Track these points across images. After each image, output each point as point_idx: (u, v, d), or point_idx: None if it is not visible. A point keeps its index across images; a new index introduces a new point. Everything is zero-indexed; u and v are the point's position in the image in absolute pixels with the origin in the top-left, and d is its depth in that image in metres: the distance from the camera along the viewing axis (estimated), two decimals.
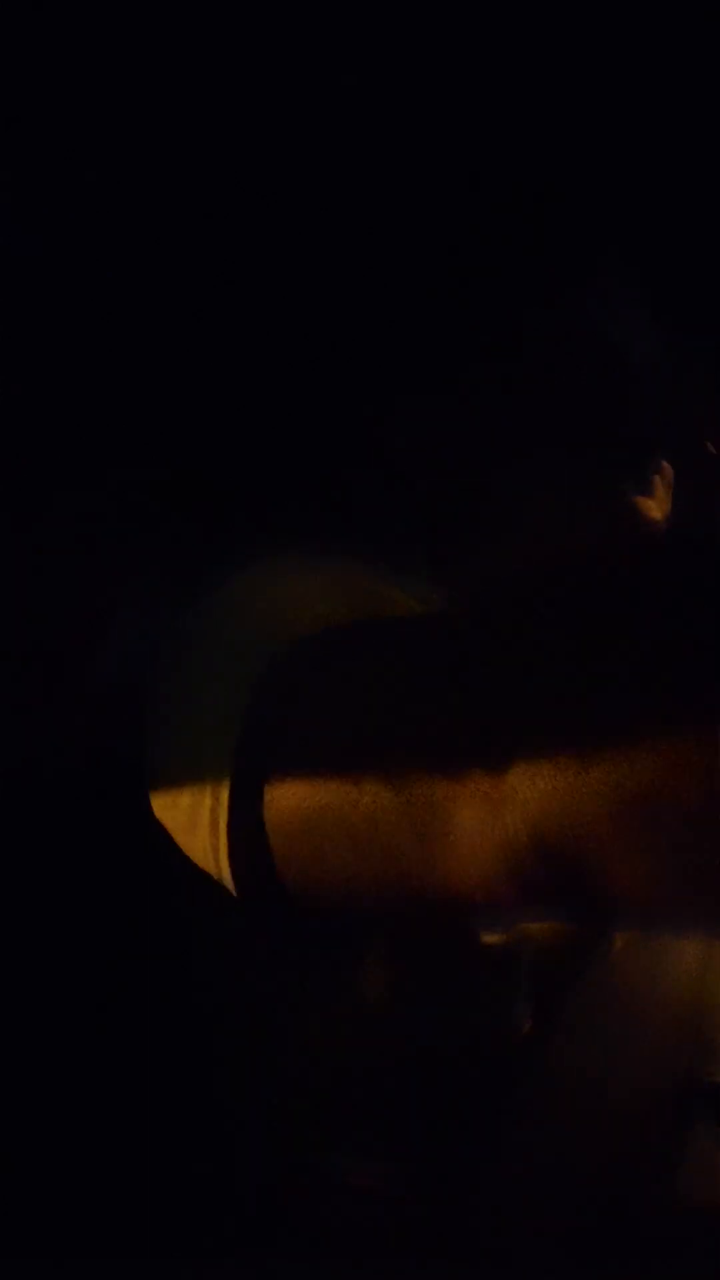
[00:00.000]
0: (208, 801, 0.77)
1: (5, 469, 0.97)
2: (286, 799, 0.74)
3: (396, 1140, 0.82)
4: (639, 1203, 0.82)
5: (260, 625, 0.81)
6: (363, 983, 0.80)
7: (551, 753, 0.62)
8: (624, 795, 0.60)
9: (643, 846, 0.62)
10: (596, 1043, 0.82)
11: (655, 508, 0.95)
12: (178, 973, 0.87)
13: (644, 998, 0.84)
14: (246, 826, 0.76)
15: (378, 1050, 0.81)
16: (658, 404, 0.96)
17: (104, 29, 0.95)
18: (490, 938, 0.80)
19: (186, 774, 0.79)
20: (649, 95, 0.98)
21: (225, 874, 0.77)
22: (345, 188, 0.96)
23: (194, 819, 0.78)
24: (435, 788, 0.67)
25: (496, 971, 0.81)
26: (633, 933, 0.83)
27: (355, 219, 0.95)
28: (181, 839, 0.80)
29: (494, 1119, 0.81)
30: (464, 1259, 0.80)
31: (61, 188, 0.96)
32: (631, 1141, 0.83)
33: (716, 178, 1.00)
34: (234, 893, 0.77)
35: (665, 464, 0.96)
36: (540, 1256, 0.80)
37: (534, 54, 0.97)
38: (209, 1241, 0.85)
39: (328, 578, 0.88)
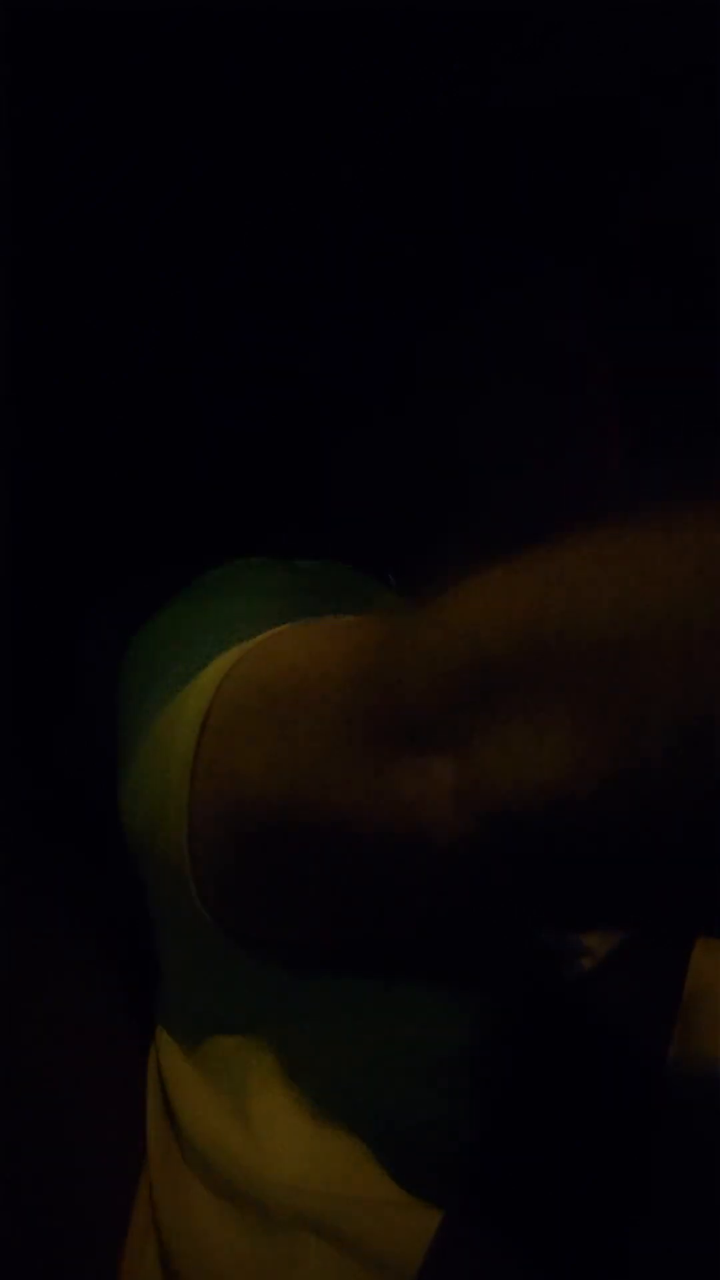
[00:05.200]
0: (171, 816, 0.76)
1: None
2: (242, 812, 0.72)
3: None
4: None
5: (228, 626, 0.79)
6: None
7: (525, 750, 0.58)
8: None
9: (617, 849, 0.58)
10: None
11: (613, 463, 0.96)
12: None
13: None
14: (206, 840, 0.74)
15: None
16: (607, 369, 0.97)
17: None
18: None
19: (150, 787, 0.78)
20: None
21: (194, 891, 0.76)
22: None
23: (161, 831, 0.77)
24: (401, 787, 0.64)
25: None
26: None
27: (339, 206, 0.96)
28: (152, 849, 0.78)
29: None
30: None
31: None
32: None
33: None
34: (208, 914, 0.76)
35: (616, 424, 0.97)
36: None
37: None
38: None
39: (303, 575, 0.89)
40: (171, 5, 0.92)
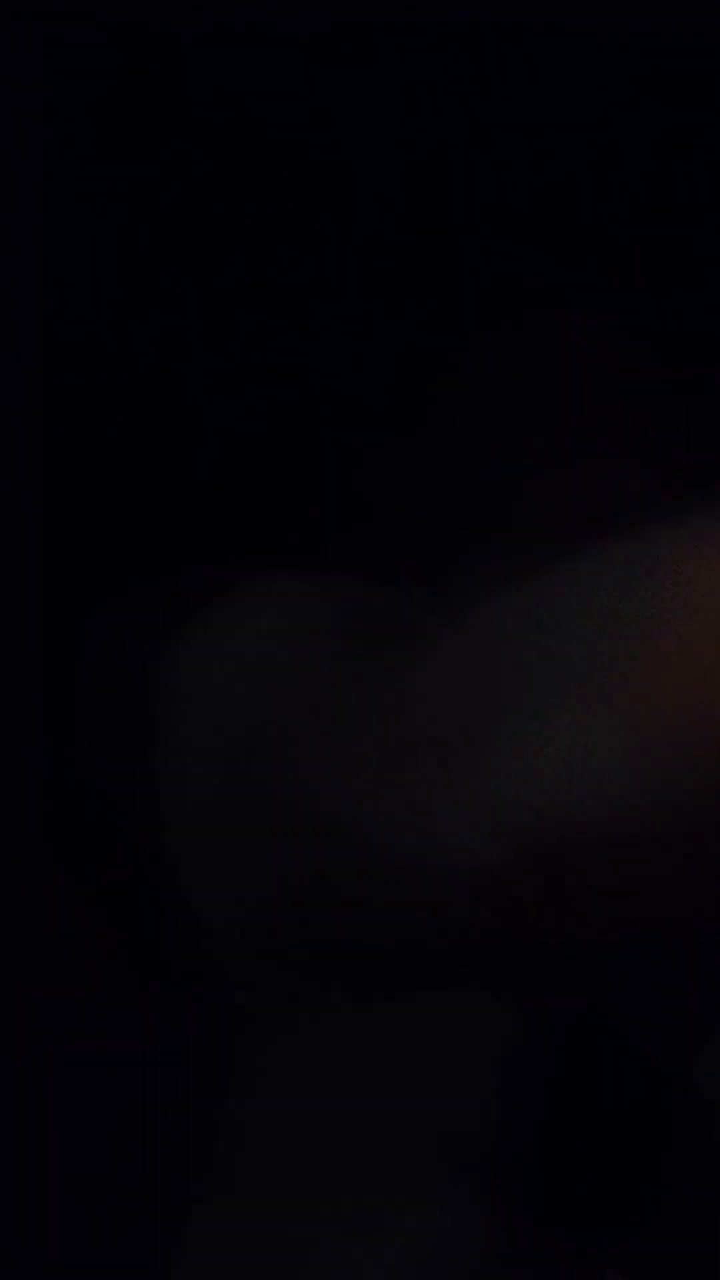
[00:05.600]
0: (201, 846, 0.76)
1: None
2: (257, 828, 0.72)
3: None
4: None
5: (248, 653, 0.79)
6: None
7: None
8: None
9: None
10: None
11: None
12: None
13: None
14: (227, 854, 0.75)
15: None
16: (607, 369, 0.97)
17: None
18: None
19: (176, 823, 0.78)
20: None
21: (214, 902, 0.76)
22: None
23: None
24: (416, 799, 0.63)
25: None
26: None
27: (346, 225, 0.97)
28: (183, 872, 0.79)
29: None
30: None
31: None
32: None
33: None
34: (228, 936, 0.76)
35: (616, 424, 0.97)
36: None
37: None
38: None
39: (320, 595, 0.88)
40: (171, 5, 0.92)
